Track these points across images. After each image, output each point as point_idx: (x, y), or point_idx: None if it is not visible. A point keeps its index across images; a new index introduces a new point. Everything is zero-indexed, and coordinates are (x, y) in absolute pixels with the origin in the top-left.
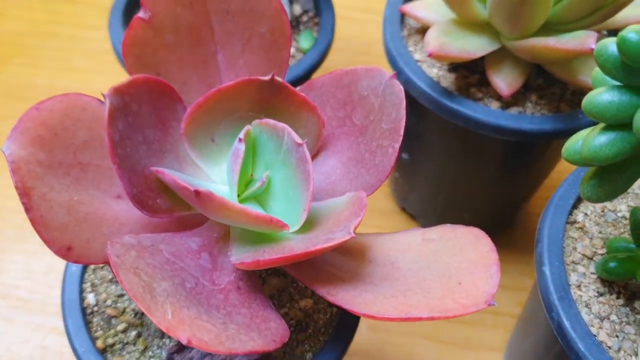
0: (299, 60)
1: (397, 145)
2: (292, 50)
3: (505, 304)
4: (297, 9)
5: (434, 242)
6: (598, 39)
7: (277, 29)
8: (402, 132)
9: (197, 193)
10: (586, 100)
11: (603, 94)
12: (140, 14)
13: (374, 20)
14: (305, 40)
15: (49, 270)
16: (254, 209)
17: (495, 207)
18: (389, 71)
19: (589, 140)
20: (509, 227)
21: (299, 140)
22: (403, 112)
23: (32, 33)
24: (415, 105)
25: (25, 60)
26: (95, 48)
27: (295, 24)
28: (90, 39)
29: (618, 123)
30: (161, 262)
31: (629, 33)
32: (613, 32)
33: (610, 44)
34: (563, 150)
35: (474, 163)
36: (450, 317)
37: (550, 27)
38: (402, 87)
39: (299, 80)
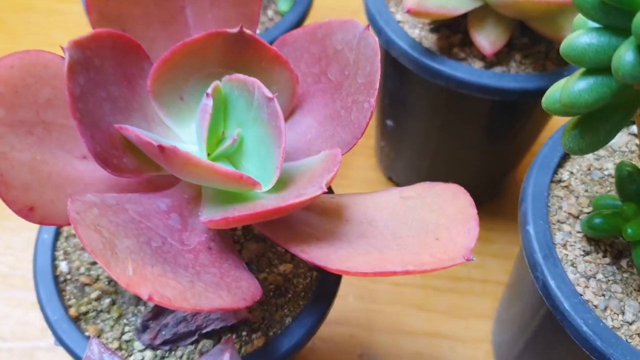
0: (276, 23)
1: (373, 100)
2: (270, 13)
3: (494, 272)
4: None
5: (411, 200)
6: None
7: None
8: (377, 86)
9: (161, 148)
10: (564, 43)
11: (581, 37)
12: None
13: None
14: (283, 3)
15: (29, 245)
16: (223, 166)
17: (483, 174)
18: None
19: (568, 87)
20: (498, 195)
21: (270, 95)
22: (378, 64)
23: (10, 8)
24: (397, 66)
25: (3, 36)
26: (75, 22)
27: None
28: (69, 13)
29: (597, 67)
30: (126, 220)
31: None
32: None
33: None
34: (543, 99)
35: (458, 127)
36: (426, 271)
37: None
38: (376, 39)
39: None
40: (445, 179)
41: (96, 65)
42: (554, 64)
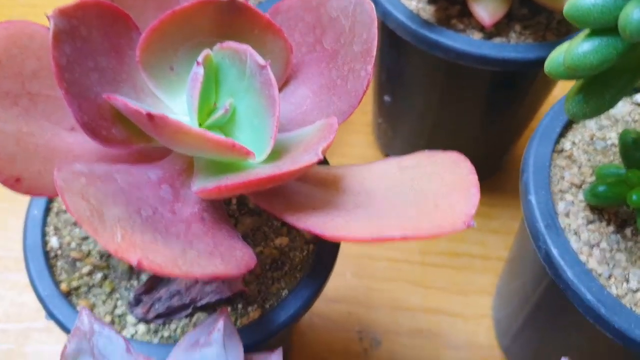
0: None
1: (370, 67)
2: None
3: (494, 248)
4: None
5: (410, 170)
6: None
7: None
8: (374, 53)
9: (150, 117)
10: (568, 4)
11: None
12: None
13: None
14: None
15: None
16: (215, 134)
17: (482, 150)
18: None
19: (572, 49)
20: (498, 170)
21: (262, 62)
22: (375, 31)
23: None
24: (395, 39)
25: None
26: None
27: None
28: None
29: (603, 27)
30: (114, 190)
31: None
32: None
33: None
34: (545, 63)
35: (457, 100)
36: (424, 236)
37: None
38: (373, 6)
39: None
40: None
41: (83, 34)
42: (554, 34)
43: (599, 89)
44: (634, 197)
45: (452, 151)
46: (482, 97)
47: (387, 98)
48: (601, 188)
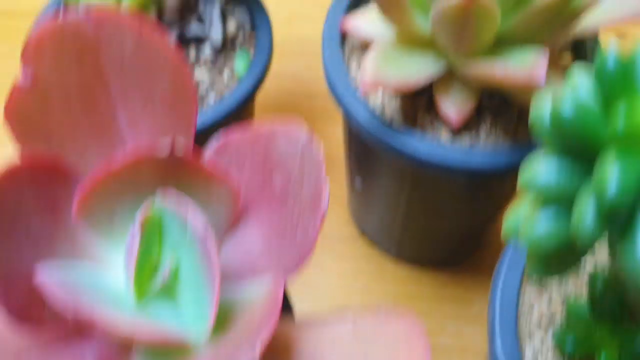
0: (232, 90)
1: (318, 223)
2: (226, 77)
3: (471, 337)
4: (232, 25)
5: (366, 341)
6: (558, 53)
7: (179, 83)
8: (324, 204)
9: (75, 320)
10: (524, 173)
11: (540, 165)
12: (20, 80)
13: None
14: (241, 61)
15: None
16: (151, 320)
17: (457, 233)
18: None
19: (528, 230)
20: (477, 248)
21: (202, 232)
22: (323, 175)
23: None
24: (359, 138)
25: None
26: None
27: (231, 45)
28: None
29: (557, 199)
30: None
31: (564, 105)
32: (577, 44)
33: (546, 109)
34: (503, 227)
35: (427, 199)
36: None
37: (504, 42)
38: (320, 149)
39: (232, 114)
40: (419, 239)
41: (10, 207)
42: (526, 125)
43: (559, 259)
44: (603, 355)
45: (406, 316)
46: (452, 196)
47: (357, 181)
48: (569, 342)
